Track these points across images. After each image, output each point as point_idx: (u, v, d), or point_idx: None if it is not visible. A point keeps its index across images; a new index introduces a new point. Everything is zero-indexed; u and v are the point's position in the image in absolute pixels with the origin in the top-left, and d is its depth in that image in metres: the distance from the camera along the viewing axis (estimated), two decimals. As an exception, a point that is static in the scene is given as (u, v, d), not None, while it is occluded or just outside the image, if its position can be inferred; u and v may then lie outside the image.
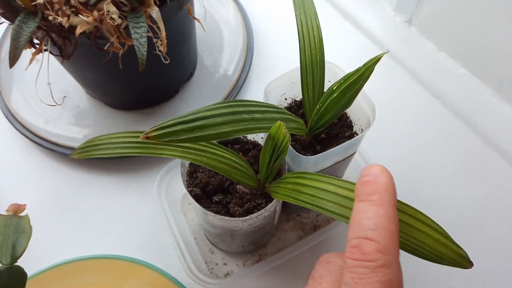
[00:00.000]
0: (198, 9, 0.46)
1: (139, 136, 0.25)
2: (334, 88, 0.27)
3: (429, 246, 0.21)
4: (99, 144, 0.26)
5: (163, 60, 0.34)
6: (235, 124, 0.24)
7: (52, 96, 0.36)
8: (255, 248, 0.38)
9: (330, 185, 0.23)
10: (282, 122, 0.23)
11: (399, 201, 0.21)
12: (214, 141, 0.30)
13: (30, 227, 0.25)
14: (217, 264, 0.38)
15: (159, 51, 0.33)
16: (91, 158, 0.42)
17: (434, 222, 0.22)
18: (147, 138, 0.21)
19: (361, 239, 0.19)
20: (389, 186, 0.20)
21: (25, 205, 0.26)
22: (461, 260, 0.21)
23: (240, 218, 0.29)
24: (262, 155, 0.27)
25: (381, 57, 0.25)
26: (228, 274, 0.37)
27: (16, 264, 0.23)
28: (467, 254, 0.21)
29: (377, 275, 0.18)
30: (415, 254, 0.21)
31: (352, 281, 0.18)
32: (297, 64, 0.30)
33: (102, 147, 0.26)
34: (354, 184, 0.22)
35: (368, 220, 0.19)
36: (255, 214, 0.29)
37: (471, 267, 0.21)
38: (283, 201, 0.29)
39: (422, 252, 0.21)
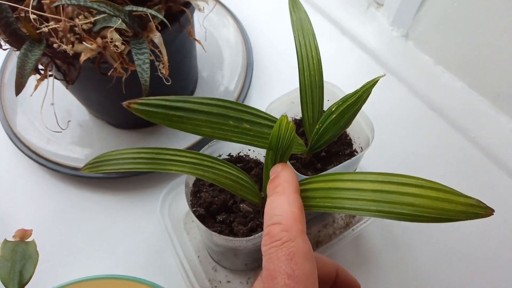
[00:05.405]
0: (198, 29, 0.46)
1: (148, 152, 0.26)
2: (333, 109, 0.28)
3: (427, 207, 0.20)
4: (109, 160, 0.26)
5: (164, 81, 0.34)
6: (216, 127, 0.24)
7: (56, 117, 0.37)
8: (258, 265, 0.38)
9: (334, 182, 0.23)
10: (286, 115, 0.23)
11: (381, 173, 0.22)
12: (220, 158, 0.30)
13: (37, 253, 0.25)
14: (220, 282, 0.38)
15: (161, 73, 0.34)
16: (95, 177, 0.43)
17: (429, 181, 0.21)
18: (128, 105, 0.21)
19: (270, 226, 0.21)
20: (288, 177, 0.23)
21: (31, 230, 0.27)
22: (474, 209, 0.20)
23: (244, 238, 0.30)
24: (265, 162, 0.26)
25: (378, 80, 0.25)
26: (232, 292, 0.38)
27: (23, 290, 0.23)
28: (480, 201, 0.20)
29: (282, 250, 0.20)
30: (414, 220, 0.20)
31: (267, 263, 0.21)
32: (296, 80, 0.30)
33: (111, 162, 0.26)
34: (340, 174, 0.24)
35: (274, 209, 0.22)
36: (259, 233, 0.29)
37: (491, 214, 0.19)
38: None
39: (420, 215, 0.20)
